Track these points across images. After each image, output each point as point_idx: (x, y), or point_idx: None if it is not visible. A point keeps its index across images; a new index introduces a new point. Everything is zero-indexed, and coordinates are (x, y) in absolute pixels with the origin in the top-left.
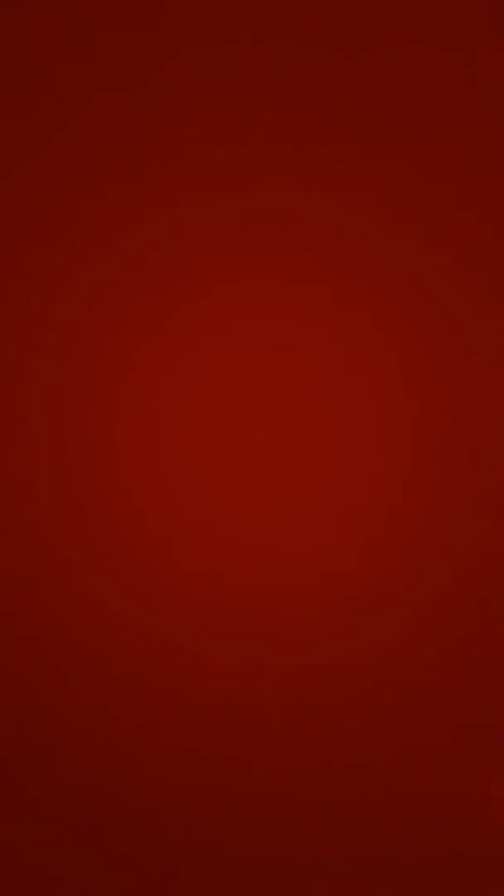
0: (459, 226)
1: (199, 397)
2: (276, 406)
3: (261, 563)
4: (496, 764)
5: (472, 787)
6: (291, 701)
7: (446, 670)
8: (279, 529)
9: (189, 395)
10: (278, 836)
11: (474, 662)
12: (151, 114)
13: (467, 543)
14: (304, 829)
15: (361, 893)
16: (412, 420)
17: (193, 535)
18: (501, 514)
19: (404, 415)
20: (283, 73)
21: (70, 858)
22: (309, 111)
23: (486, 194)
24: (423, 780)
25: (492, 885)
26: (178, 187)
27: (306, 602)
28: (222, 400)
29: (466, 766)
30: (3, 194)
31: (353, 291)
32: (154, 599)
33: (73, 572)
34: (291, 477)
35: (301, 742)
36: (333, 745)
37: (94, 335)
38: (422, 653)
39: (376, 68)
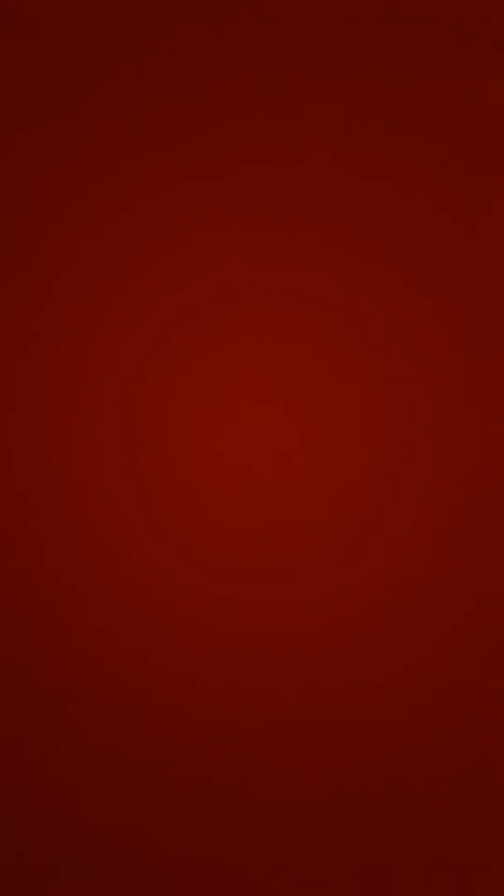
0: (465, 214)
1: (198, 387)
2: (278, 395)
3: (264, 553)
4: (496, 751)
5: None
6: (296, 690)
7: (452, 689)
8: (282, 517)
9: (187, 384)
10: (279, 815)
11: (475, 668)
12: (155, 96)
13: (473, 543)
14: (304, 802)
15: (365, 883)
16: (416, 413)
17: (195, 525)
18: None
19: (408, 406)
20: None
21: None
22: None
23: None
24: (424, 777)
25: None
26: (182, 171)
27: (307, 592)
28: (223, 391)
29: (467, 769)
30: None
31: (357, 280)
32: (156, 594)
33: (76, 564)
34: (294, 468)
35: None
36: (336, 744)
37: (90, 324)
38: (425, 657)
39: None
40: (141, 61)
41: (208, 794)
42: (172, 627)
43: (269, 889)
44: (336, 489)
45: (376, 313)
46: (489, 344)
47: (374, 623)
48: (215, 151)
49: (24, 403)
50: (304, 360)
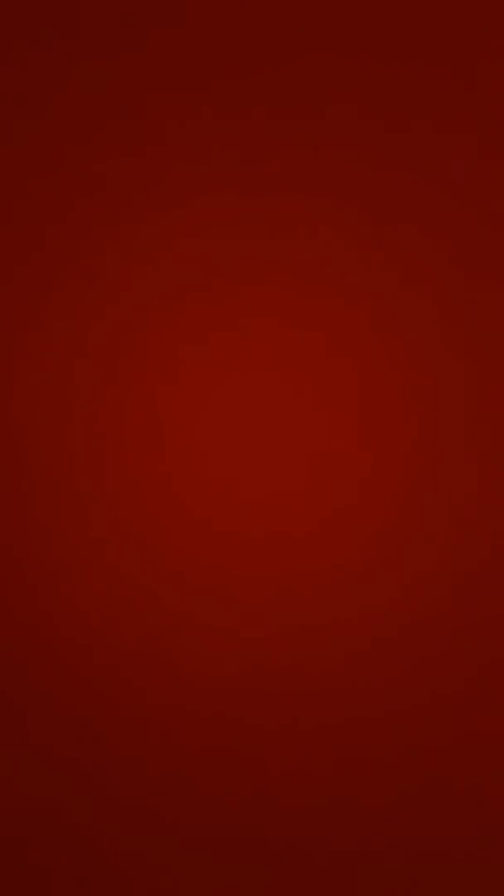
0: (460, 233)
1: (200, 403)
2: (276, 409)
3: (259, 556)
4: (499, 761)
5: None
6: (288, 666)
7: (444, 673)
8: (278, 522)
9: (189, 401)
10: (276, 804)
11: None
12: (157, 97)
13: (462, 543)
14: (301, 795)
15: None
16: (407, 422)
17: (194, 529)
18: (497, 511)
19: (400, 418)
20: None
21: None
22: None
23: (487, 191)
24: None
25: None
26: (187, 198)
27: (301, 592)
28: (224, 405)
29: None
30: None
31: (350, 298)
32: (153, 586)
33: (80, 558)
34: (290, 475)
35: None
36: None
37: (103, 341)
38: (420, 642)
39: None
40: (143, 62)
41: (212, 822)
42: (173, 650)
43: None
44: (341, 515)
45: (371, 334)
46: (483, 358)
47: (381, 643)
48: (216, 154)
49: (21, 413)
50: (308, 366)
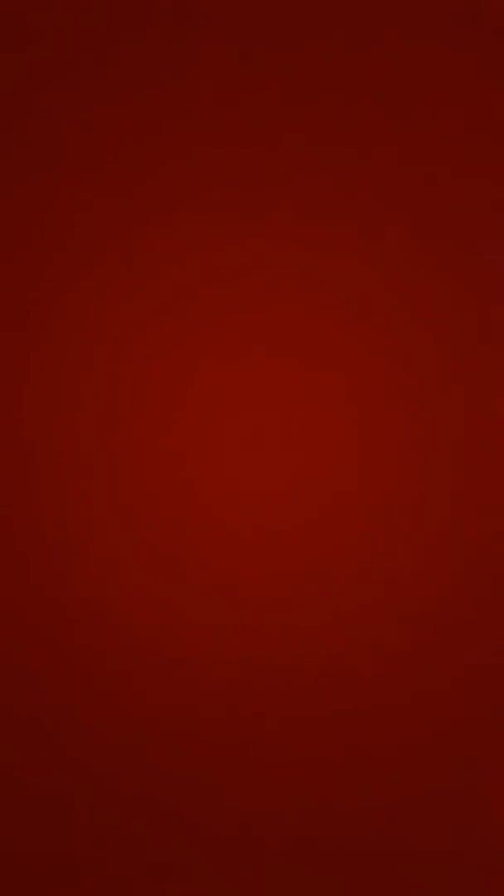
0: (469, 218)
1: (202, 396)
2: (285, 406)
3: (265, 558)
4: (495, 756)
5: (470, 780)
6: (292, 685)
7: (446, 669)
8: (284, 525)
9: (191, 393)
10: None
11: (474, 660)
12: (158, 112)
13: (477, 544)
14: (298, 806)
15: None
16: (421, 420)
17: (199, 528)
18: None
19: (414, 415)
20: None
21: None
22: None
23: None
24: (420, 770)
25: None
26: (186, 185)
27: (306, 600)
28: (228, 400)
29: (465, 755)
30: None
31: (363, 291)
32: (161, 594)
33: (80, 570)
34: (298, 474)
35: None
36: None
37: (95, 333)
38: (425, 653)
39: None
40: (141, 66)
41: (210, 817)
42: (168, 650)
43: None
44: (338, 497)
45: (384, 328)
46: (499, 354)
47: (379, 650)
48: (221, 168)
49: (22, 411)
50: (310, 375)
